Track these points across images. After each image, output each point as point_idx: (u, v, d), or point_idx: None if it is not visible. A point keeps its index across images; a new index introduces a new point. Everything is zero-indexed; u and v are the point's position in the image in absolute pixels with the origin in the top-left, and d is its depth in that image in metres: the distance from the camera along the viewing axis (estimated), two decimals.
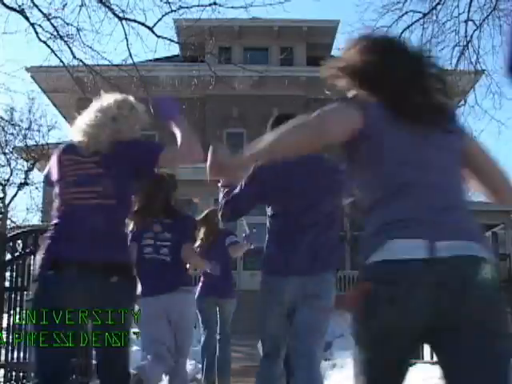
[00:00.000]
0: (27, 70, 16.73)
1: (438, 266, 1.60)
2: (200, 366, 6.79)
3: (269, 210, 3.39)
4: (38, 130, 19.49)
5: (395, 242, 1.65)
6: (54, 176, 2.78)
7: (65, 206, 2.71)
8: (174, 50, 20.79)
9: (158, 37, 10.02)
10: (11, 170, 19.36)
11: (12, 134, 18.97)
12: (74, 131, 2.80)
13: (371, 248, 1.68)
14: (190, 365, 6.57)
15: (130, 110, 2.81)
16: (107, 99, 2.84)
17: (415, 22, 10.32)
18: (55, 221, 2.71)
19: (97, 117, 2.75)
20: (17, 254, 5.41)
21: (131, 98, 2.88)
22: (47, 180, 2.87)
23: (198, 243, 5.63)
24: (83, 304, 2.57)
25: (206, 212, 6.22)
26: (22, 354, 5.28)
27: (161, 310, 4.11)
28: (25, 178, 19.57)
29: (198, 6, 10.07)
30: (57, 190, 2.75)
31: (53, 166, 2.82)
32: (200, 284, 6.07)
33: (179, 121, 2.66)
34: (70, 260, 2.57)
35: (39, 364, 2.64)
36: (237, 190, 3.30)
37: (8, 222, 19.05)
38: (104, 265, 2.59)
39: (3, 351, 5.23)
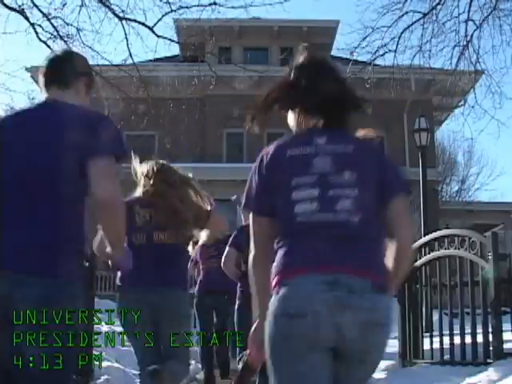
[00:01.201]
0: (27, 69, 16.66)
1: None
2: (200, 365, 6.79)
3: None
4: None
5: None
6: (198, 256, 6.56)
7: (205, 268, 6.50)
8: (174, 49, 20.81)
9: (158, 37, 10.03)
10: None
11: None
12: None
13: None
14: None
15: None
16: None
17: (415, 22, 10.29)
18: (202, 272, 6.59)
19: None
20: None
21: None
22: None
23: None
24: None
25: None
26: None
27: None
28: None
29: (198, 5, 10.08)
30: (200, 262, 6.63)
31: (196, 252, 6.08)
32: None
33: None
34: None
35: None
36: None
37: None
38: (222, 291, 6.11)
39: None
